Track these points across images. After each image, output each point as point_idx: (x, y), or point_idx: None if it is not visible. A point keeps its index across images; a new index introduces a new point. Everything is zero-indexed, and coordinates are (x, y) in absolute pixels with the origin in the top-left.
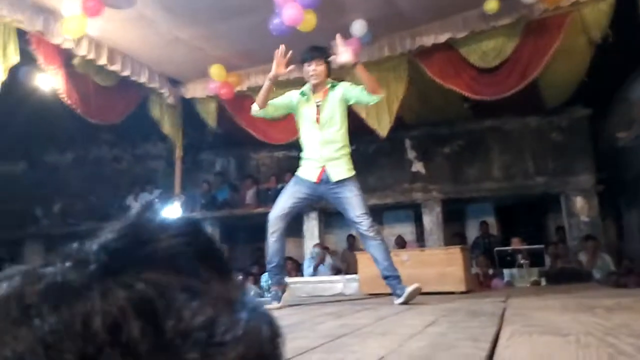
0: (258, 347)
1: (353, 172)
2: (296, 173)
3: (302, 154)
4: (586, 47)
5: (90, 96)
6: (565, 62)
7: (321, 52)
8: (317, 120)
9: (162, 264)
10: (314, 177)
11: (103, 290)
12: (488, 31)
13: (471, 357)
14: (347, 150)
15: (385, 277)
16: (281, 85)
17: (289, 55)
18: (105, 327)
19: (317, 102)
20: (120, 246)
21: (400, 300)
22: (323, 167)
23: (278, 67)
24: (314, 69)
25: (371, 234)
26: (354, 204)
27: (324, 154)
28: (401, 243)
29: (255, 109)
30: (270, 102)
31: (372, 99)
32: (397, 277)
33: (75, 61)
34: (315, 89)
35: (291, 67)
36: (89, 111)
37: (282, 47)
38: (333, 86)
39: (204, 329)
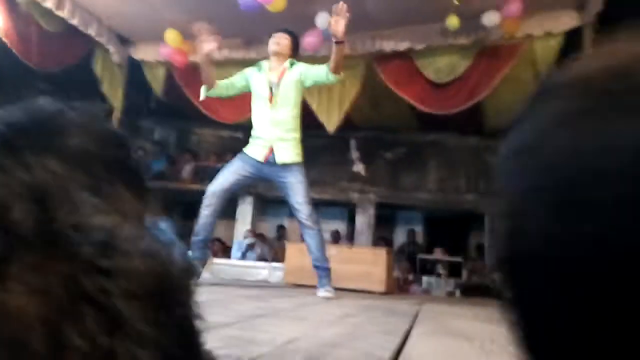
0: (165, 269)
1: (300, 159)
2: (243, 149)
3: (252, 132)
4: (532, 78)
5: (31, 38)
6: (510, 90)
7: (291, 32)
8: (270, 99)
9: (68, 158)
10: (260, 157)
11: (0, 167)
12: (445, 47)
13: (380, 348)
14: (297, 134)
15: (316, 267)
16: (232, 64)
17: (212, 33)
18: None
19: (273, 79)
20: (26, 126)
21: (324, 295)
22: (271, 147)
23: (204, 45)
24: (277, 41)
25: (309, 223)
26: (296, 190)
27: (274, 133)
28: (336, 237)
29: (203, 91)
30: (223, 81)
31: (331, 79)
32: (327, 270)
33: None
34: (273, 65)
35: (216, 43)
36: (28, 54)
37: (202, 25)
38: (292, 65)
39: (106, 233)
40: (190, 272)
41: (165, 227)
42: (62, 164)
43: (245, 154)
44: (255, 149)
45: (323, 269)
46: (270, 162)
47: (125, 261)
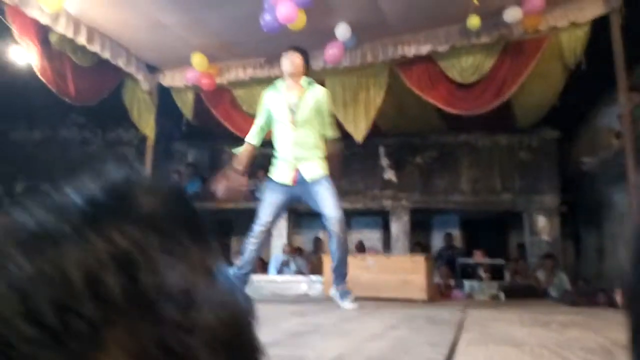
0: (234, 318)
1: (327, 172)
2: (269, 175)
3: (275, 154)
4: (560, 71)
5: (66, 75)
6: (539, 85)
7: (302, 50)
8: (292, 120)
9: (142, 222)
10: (288, 180)
11: (82, 240)
12: (468, 47)
13: None
14: (321, 152)
15: (334, 272)
16: (256, 83)
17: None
18: (83, 278)
19: (292, 101)
20: (101, 198)
21: (336, 299)
22: (296, 168)
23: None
24: (291, 61)
25: (339, 228)
26: (328, 197)
27: (297, 154)
28: (361, 248)
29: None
30: (256, 133)
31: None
32: (345, 276)
33: (53, 38)
34: (289, 83)
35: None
36: (64, 90)
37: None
38: (310, 84)
39: (184, 292)
40: (252, 313)
41: (228, 273)
42: (137, 229)
43: (273, 181)
44: (281, 173)
45: (341, 276)
46: (299, 181)
47: (203, 316)
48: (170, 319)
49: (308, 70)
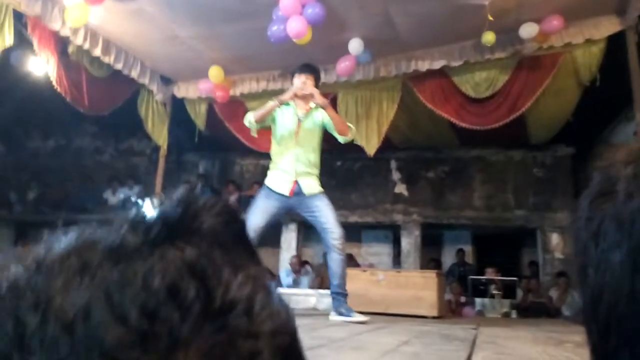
0: (287, 325)
1: (323, 190)
2: (265, 183)
3: (272, 164)
4: (575, 88)
5: (81, 85)
6: (553, 101)
7: (313, 70)
8: (297, 134)
9: (208, 239)
10: (286, 191)
11: (161, 253)
12: (482, 63)
13: None
14: (318, 171)
15: (335, 294)
16: (269, 95)
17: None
18: (165, 285)
19: (300, 116)
20: (175, 216)
21: (343, 319)
22: (295, 180)
23: (291, 95)
24: (304, 82)
25: (338, 246)
26: (326, 214)
27: (298, 168)
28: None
29: (250, 119)
30: (252, 114)
31: (341, 139)
32: (345, 296)
33: (70, 49)
34: (298, 102)
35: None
36: (79, 100)
37: (304, 84)
38: (317, 108)
39: (247, 300)
40: (294, 318)
41: (275, 286)
42: (204, 242)
43: (269, 189)
44: (280, 184)
45: (342, 295)
46: (296, 193)
47: (265, 323)
48: (238, 325)
49: (318, 87)
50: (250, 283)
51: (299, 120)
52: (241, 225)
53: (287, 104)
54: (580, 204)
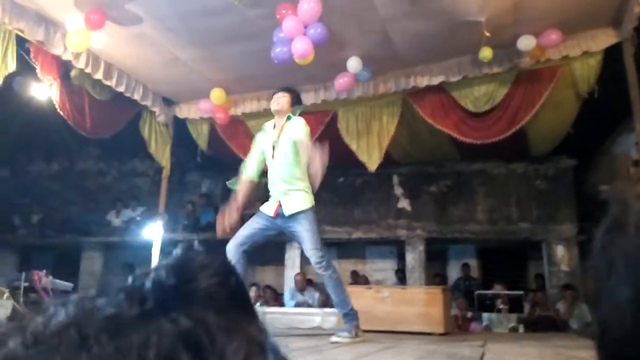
0: None
1: (308, 205)
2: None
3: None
4: (574, 100)
5: (83, 108)
6: (553, 113)
7: (289, 89)
8: (272, 156)
9: (202, 303)
10: (271, 211)
11: (156, 325)
12: (481, 77)
13: None
14: (304, 184)
15: (344, 315)
16: (270, 114)
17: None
18: (156, 356)
19: (274, 138)
20: (169, 284)
21: (340, 340)
22: (279, 201)
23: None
24: (276, 101)
25: (320, 270)
26: (304, 239)
27: (280, 188)
28: (354, 277)
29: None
30: (252, 165)
31: (304, 160)
32: (351, 314)
33: (73, 73)
34: (277, 121)
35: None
36: (81, 123)
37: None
38: (289, 119)
39: None
40: None
41: (274, 344)
42: (199, 309)
43: (259, 210)
44: (267, 205)
45: (346, 315)
46: (280, 214)
47: None
48: None
49: (293, 105)
50: (244, 348)
51: (274, 143)
52: (236, 282)
53: (264, 130)
54: (596, 233)
